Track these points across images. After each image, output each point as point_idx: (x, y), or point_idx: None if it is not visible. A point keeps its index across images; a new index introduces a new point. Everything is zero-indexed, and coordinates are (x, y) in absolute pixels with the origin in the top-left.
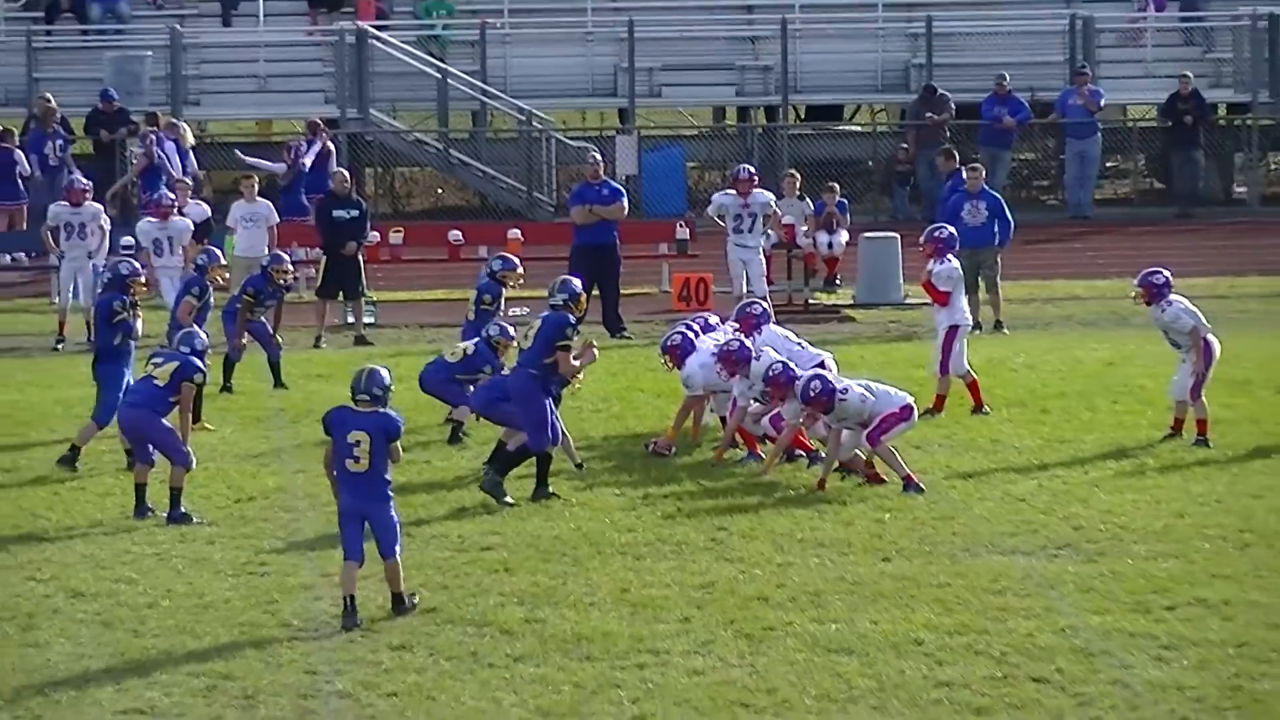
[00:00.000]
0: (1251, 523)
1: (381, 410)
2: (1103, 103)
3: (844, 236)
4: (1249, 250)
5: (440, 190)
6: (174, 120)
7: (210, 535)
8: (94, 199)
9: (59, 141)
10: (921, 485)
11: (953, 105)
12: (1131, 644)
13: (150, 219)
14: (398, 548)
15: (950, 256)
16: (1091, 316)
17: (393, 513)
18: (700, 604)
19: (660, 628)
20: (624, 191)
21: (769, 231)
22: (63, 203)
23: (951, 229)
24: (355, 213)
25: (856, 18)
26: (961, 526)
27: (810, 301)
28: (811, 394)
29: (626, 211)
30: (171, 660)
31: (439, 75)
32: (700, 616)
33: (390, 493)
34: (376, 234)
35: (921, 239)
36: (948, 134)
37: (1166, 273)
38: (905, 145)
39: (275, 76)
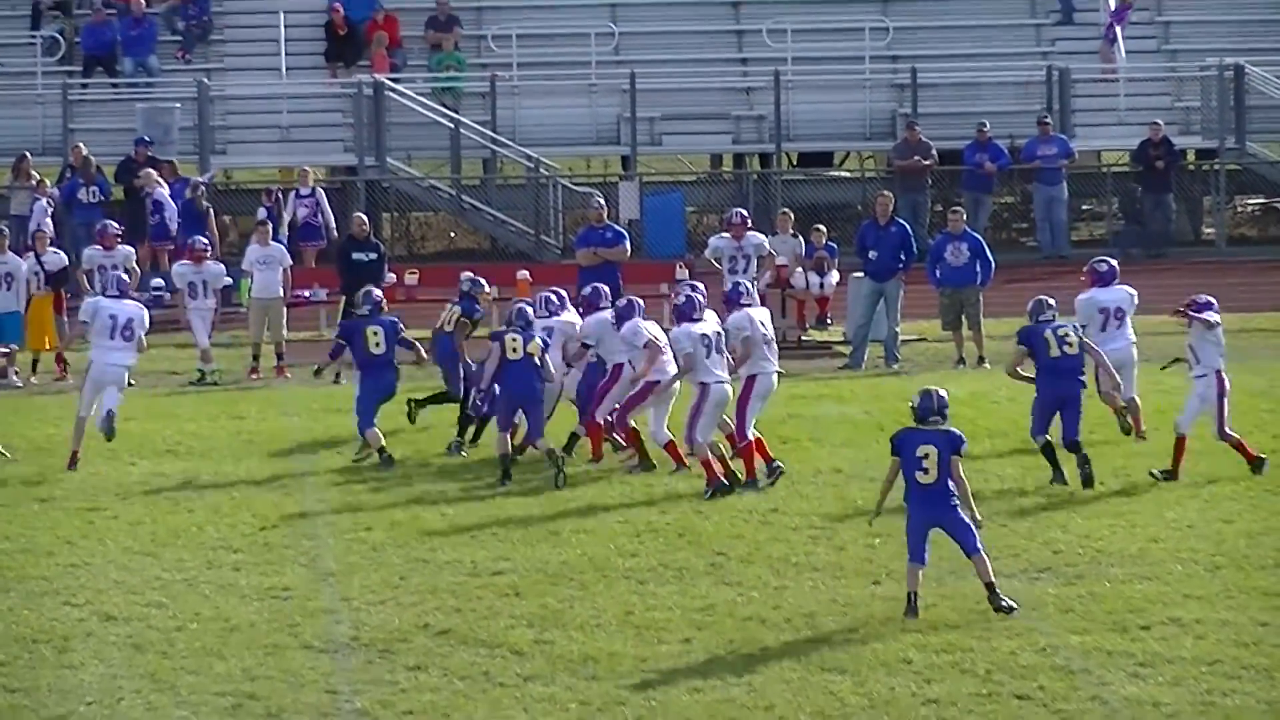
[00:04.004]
0: (1222, 546)
1: (947, 428)
2: (1075, 149)
3: (834, 277)
4: (1217, 288)
5: (453, 234)
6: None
7: (236, 562)
8: (124, 243)
9: (94, 188)
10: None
11: (935, 151)
12: (1109, 662)
13: (185, 262)
14: (979, 543)
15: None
16: None
17: (963, 515)
18: (701, 626)
19: (663, 649)
20: (626, 234)
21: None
22: (96, 246)
23: (747, 283)
24: (373, 255)
25: (845, 69)
26: (947, 550)
27: (803, 339)
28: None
29: (629, 253)
30: (199, 680)
31: (452, 125)
32: (701, 638)
33: (955, 501)
34: (393, 275)
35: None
36: (929, 181)
37: (1113, 262)
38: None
39: (297, 126)
